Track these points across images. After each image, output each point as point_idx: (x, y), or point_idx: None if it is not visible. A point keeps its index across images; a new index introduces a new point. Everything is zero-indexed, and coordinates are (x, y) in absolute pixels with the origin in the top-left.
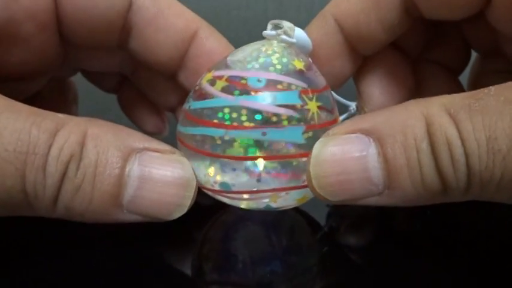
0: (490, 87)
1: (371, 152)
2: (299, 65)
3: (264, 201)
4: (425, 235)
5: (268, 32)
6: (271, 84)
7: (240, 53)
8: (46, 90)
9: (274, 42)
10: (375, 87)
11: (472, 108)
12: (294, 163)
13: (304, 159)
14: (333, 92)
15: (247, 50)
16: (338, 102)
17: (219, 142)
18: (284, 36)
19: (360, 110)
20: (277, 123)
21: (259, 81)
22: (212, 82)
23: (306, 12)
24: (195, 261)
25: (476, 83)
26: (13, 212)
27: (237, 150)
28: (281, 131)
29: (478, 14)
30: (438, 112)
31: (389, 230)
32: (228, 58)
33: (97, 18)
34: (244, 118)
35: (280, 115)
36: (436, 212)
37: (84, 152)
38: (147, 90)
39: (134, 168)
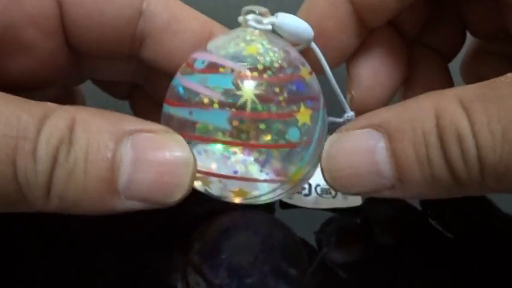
0: (507, 74)
1: (380, 146)
2: (251, 50)
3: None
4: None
5: (239, 18)
6: (212, 67)
7: (221, 39)
8: (53, 97)
9: (249, 29)
10: (366, 70)
11: (487, 98)
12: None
13: (233, 148)
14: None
15: (227, 36)
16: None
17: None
18: (252, 23)
19: (347, 93)
20: (205, 105)
21: (202, 62)
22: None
23: None
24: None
25: (474, 65)
26: (9, 206)
27: (173, 126)
28: (205, 113)
29: None
30: (450, 104)
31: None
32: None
33: (104, 26)
34: (178, 96)
35: (209, 97)
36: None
37: (74, 137)
38: (161, 97)
39: (127, 151)
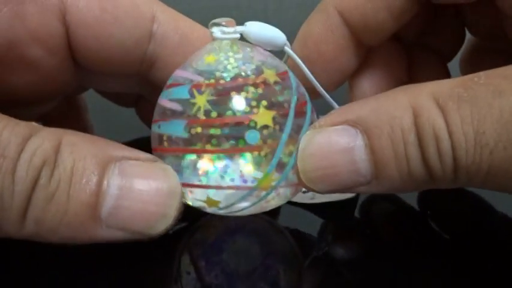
0: (480, 73)
1: (358, 144)
2: (210, 59)
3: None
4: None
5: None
6: (176, 80)
7: (195, 53)
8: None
9: (219, 41)
10: (369, 88)
11: (461, 98)
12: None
13: (193, 157)
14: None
15: (200, 50)
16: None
17: None
18: (217, 34)
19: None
20: (167, 117)
21: (171, 78)
22: None
23: (307, 11)
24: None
25: (473, 61)
26: None
27: (153, 143)
28: (167, 124)
29: None
30: (426, 102)
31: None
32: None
33: (112, 48)
34: (154, 113)
35: (169, 108)
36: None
37: (59, 159)
38: None
39: (114, 178)
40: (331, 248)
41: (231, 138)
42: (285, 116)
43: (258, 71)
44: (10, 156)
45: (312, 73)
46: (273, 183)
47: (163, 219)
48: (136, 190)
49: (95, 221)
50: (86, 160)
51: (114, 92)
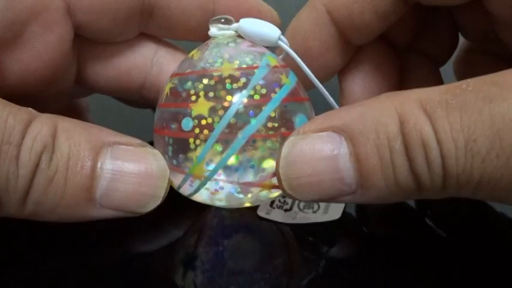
0: (468, 80)
1: (342, 151)
2: (193, 54)
3: None
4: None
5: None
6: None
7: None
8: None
9: (217, 38)
10: (358, 85)
11: (450, 105)
12: None
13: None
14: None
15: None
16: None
17: None
18: (214, 32)
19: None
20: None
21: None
22: None
23: None
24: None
25: (466, 63)
26: None
27: None
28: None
29: None
30: (413, 109)
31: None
32: None
33: (115, 3)
34: None
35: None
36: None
37: (57, 144)
38: None
39: (107, 161)
40: (328, 248)
41: (170, 122)
42: (227, 107)
43: (212, 64)
44: (14, 143)
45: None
46: (205, 174)
47: (153, 199)
48: (128, 173)
49: (90, 202)
50: (80, 145)
51: (118, 86)
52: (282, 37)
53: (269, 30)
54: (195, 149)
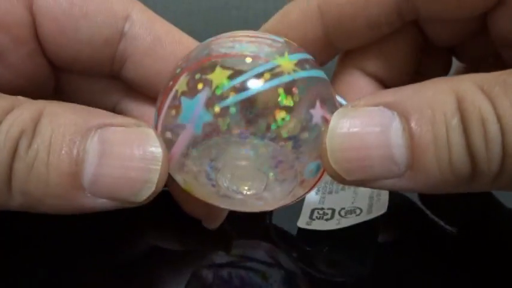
0: None
1: (395, 126)
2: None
3: None
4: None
5: None
6: None
7: None
8: None
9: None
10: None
11: (508, 83)
12: None
13: None
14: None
15: None
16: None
17: None
18: None
19: None
20: None
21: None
22: None
23: None
24: None
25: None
26: None
27: None
28: None
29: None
30: (470, 87)
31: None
32: None
33: (80, 44)
34: None
35: None
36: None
37: (38, 129)
38: None
39: (93, 144)
40: (332, 246)
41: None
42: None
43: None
44: None
45: None
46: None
47: (147, 185)
48: (116, 156)
49: (79, 190)
50: (65, 129)
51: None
52: None
53: None
54: None
